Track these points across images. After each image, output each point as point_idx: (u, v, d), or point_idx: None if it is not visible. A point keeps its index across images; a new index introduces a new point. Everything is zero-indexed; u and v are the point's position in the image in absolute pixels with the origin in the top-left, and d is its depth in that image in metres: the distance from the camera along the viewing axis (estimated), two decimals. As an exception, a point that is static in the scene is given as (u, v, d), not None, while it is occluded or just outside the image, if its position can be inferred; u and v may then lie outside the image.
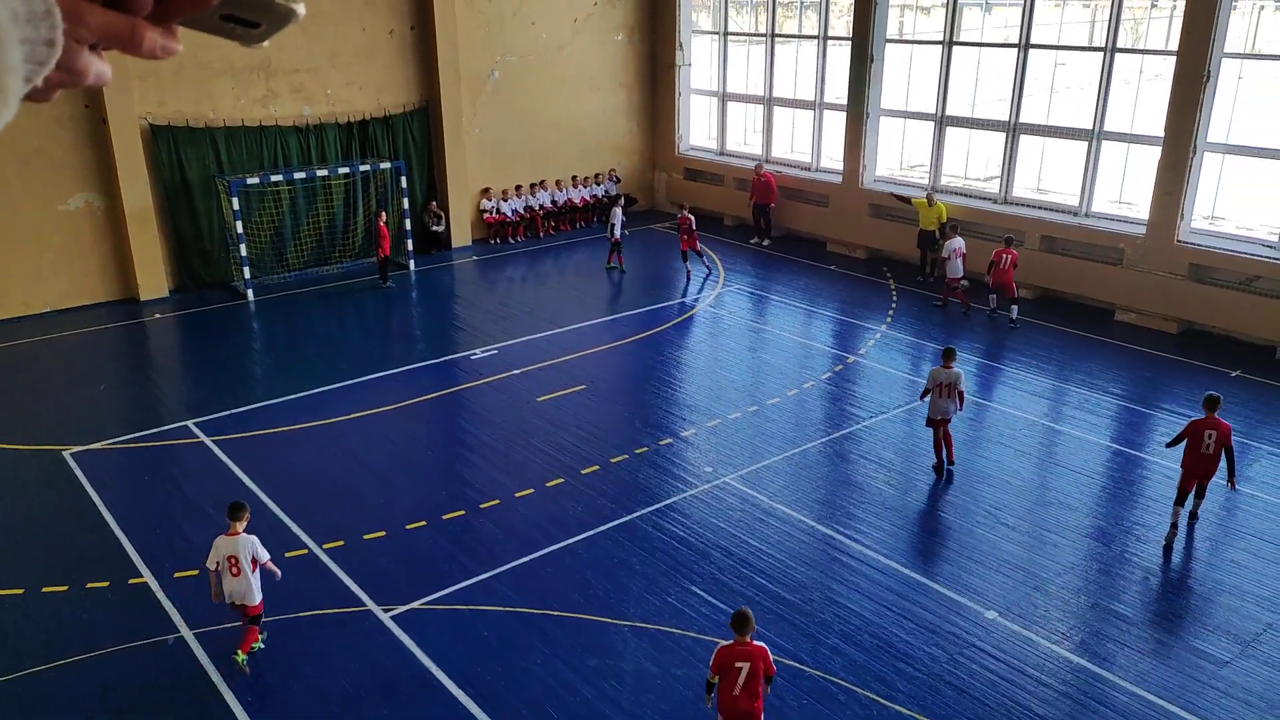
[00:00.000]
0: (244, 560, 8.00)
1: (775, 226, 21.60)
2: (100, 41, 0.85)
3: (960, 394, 11.17)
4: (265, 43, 0.93)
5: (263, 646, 8.43)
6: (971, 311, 16.89)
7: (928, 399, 11.34)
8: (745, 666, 6.68)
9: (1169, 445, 10.38)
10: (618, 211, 19.56)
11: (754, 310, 17.91)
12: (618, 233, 19.39)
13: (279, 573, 8.46)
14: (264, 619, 8.45)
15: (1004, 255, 16.22)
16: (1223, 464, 10.00)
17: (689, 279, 19.09)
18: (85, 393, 14.17)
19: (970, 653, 8.42)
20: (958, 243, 16.88)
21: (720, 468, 11.65)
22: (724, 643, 6.91)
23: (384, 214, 18.94)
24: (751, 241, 21.55)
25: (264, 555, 8.16)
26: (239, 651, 8.21)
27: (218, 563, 8.05)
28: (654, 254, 21.31)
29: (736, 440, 12.40)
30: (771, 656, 6.87)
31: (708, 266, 19.60)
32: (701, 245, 19.46)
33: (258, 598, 8.17)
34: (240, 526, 8.10)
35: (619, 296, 18.42)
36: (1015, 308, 16.35)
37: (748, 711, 6.76)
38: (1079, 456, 12.05)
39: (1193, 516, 10.33)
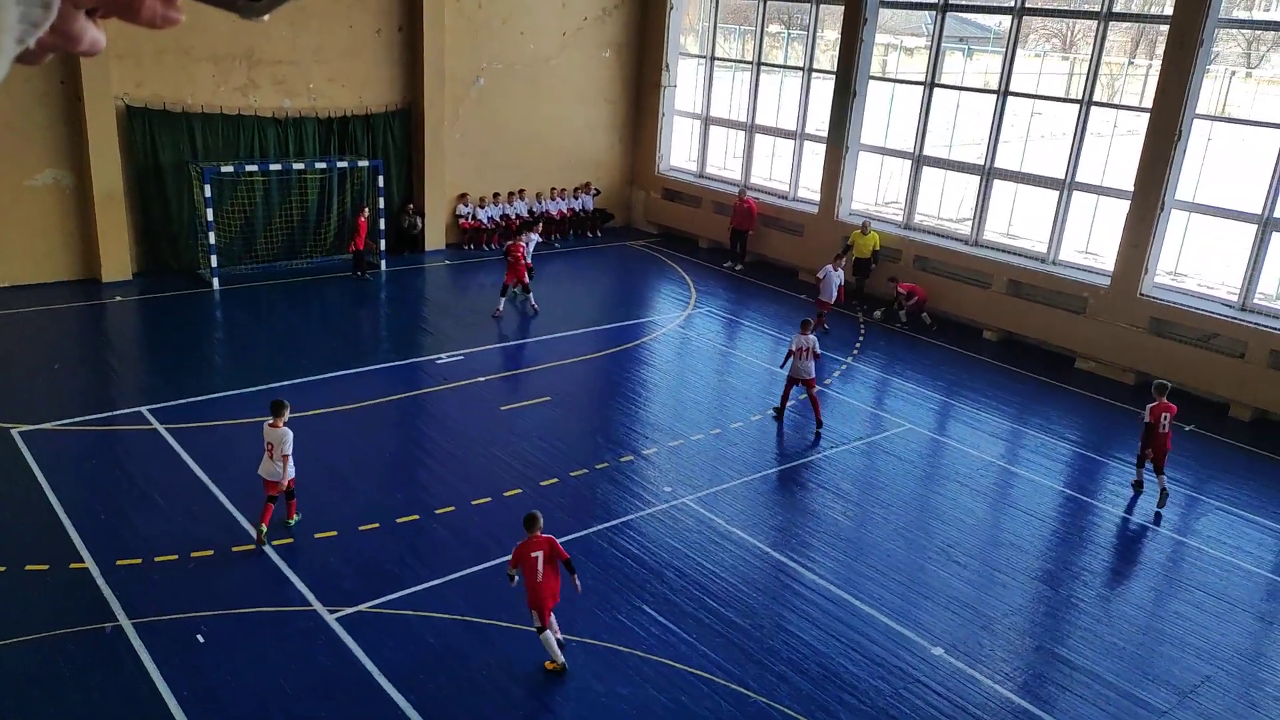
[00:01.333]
0: (278, 449, 9.60)
1: (748, 252, 21.73)
2: (98, 7, 0.83)
3: (816, 354, 13.29)
4: (266, 17, 0.90)
5: (300, 517, 10.15)
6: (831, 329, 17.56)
7: (789, 362, 13.35)
8: (540, 555, 8.06)
9: (1142, 435, 12.20)
10: (532, 237, 18.24)
11: (723, 333, 17.97)
12: (528, 258, 17.65)
13: (293, 472, 9.78)
14: (205, 614, 8.38)
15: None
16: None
17: (499, 316, 17.20)
18: (39, 372, 13.89)
19: (915, 688, 8.46)
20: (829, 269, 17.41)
21: (679, 488, 11.64)
22: (520, 542, 8.15)
23: (365, 209, 18.91)
24: (725, 265, 21.66)
25: (288, 449, 9.62)
26: (261, 525, 9.67)
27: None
28: (627, 271, 21.34)
29: (697, 462, 12.40)
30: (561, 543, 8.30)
31: (534, 308, 17.67)
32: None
33: (287, 479, 9.74)
34: (281, 421, 9.61)
35: (588, 311, 18.38)
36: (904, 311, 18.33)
37: (550, 594, 8.14)
38: (1032, 499, 12.19)
39: (1160, 505, 11.87)
